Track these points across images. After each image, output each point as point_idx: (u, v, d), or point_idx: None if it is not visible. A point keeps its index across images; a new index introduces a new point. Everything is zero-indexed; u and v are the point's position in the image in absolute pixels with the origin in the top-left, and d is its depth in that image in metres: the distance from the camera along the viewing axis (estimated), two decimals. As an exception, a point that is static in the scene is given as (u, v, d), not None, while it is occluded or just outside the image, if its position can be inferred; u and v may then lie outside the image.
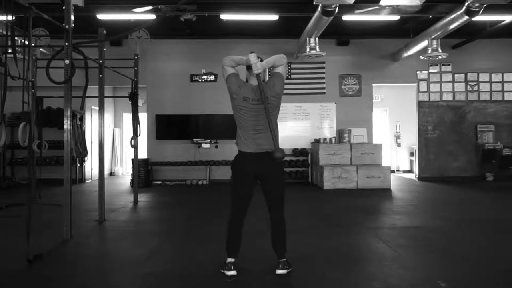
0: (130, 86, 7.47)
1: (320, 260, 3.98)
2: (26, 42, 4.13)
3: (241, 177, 3.49)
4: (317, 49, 8.68)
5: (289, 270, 3.51)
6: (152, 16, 7.84)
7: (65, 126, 4.79)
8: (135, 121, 7.46)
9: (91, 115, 10.77)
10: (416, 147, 11.11)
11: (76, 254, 4.31)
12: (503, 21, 8.76)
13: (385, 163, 10.07)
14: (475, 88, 10.94)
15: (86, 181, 10.54)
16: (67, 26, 4.71)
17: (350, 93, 10.85)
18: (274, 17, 8.57)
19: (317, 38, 8.63)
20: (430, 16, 8.41)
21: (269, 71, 4.86)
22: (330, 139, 10.05)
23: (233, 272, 3.44)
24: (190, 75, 10.71)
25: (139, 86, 7.76)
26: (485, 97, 10.95)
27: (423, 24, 8.98)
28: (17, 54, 4.04)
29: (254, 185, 3.50)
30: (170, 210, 7.02)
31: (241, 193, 3.50)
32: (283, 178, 3.59)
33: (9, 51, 4.16)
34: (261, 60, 3.44)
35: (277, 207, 3.52)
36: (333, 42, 10.73)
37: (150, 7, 7.28)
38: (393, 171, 12.04)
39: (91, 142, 10.54)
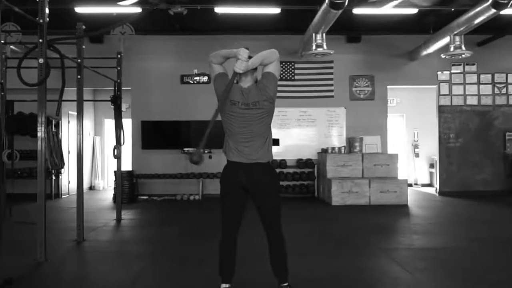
0: (113, 88, 7.51)
1: (327, 284, 3.99)
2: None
3: (228, 189, 3.48)
4: (324, 46, 8.72)
5: (292, 296, 3.52)
6: (138, 9, 7.90)
7: (39, 134, 4.81)
8: (118, 128, 7.49)
9: (68, 121, 10.81)
10: (436, 158, 11.14)
11: (51, 279, 4.32)
12: (535, 15, 8.83)
13: (401, 175, 10.10)
14: (504, 90, 11.00)
15: (63, 196, 10.53)
16: (41, 21, 4.75)
17: (362, 96, 10.90)
18: (275, 10, 8.63)
19: (324, 34, 8.67)
20: (453, 9, 8.46)
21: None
22: (339, 148, 10.07)
23: (228, 299, 3.45)
24: (181, 76, 10.77)
25: (123, 88, 7.80)
26: (514, 100, 11.03)
27: (444, 19, 9.01)
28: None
29: (245, 198, 3.49)
30: (158, 229, 7.02)
31: (230, 207, 3.48)
32: (277, 191, 3.58)
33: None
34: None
35: (272, 224, 3.50)
36: (343, 38, 10.80)
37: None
38: (410, 185, 12.05)
39: (68, 152, 10.56)
